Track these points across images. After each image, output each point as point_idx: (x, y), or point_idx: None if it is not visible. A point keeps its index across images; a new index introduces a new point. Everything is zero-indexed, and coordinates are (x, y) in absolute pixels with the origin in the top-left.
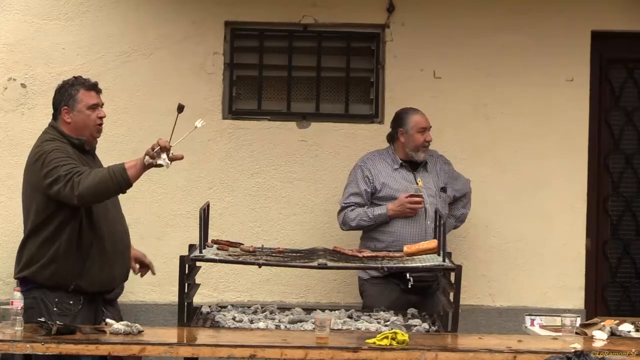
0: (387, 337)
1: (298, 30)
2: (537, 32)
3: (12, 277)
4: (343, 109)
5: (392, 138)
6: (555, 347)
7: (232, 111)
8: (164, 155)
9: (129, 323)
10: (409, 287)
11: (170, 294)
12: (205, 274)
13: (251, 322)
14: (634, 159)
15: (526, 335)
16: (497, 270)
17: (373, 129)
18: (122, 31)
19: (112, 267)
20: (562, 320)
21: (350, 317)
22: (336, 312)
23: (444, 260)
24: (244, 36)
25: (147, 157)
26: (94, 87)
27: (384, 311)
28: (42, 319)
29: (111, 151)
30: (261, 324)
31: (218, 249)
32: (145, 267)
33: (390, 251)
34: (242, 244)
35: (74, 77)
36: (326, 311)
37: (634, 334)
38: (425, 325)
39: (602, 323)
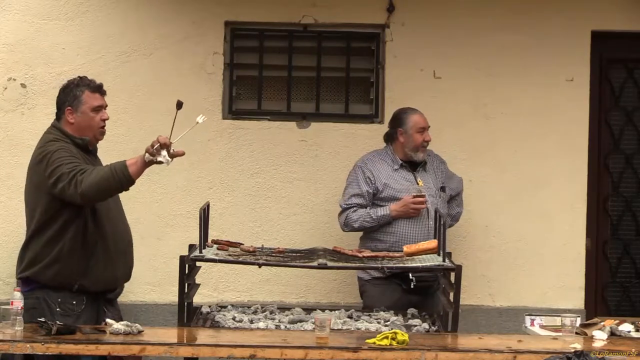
0: (387, 337)
1: (298, 30)
2: (537, 32)
3: (13, 277)
4: (343, 109)
5: (390, 138)
6: (555, 347)
7: (232, 111)
8: (164, 152)
9: (129, 323)
10: (412, 287)
11: (170, 294)
12: (205, 274)
13: (251, 322)
14: (634, 159)
15: (526, 335)
16: (497, 270)
17: (373, 129)
18: (122, 31)
19: (115, 265)
20: (562, 320)
21: (350, 317)
22: (336, 312)
23: (444, 260)
24: (244, 36)
25: (147, 155)
26: (98, 89)
27: (384, 311)
28: (42, 319)
29: (111, 151)
30: (261, 324)
31: (218, 249)
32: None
33: (390, 251)
34: (242, 244)
35: (79, 77)
36: (326, 311)
37: (634, 334)
38: (425, 325)
39: (602, 323)
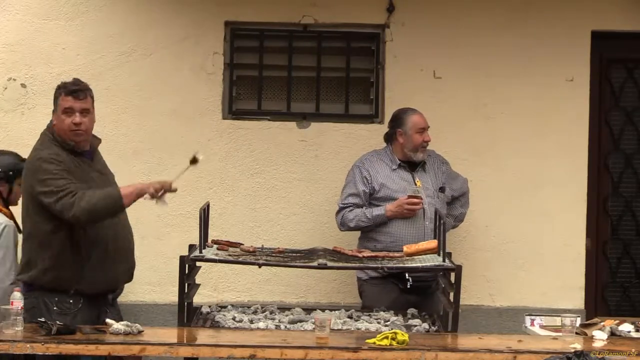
0: (387, 337)
1: (298, 30)
2: (537, 32)
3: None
4: (343, 109)
5: (390, 138)
6: (555, 347)
7: (232, 111)
8: (165, 196)
9: (129, 323)
10: (408, 287)
11: (170, 294)
12: (205, 274)
13: (251, 322)
14: (634, 159)
15: (526, 335)
16: (497, 270)
17: (373, 129)
18: (122, 31)
19: (114, 268)
20: (562, 320)
21: (350, 317)
22: (336, 312)
23: (444, 260)
24: (244, 36)
25: (147, 195)
26: (72, 93)
27: (383, 311)
28: (42, 319)
29: (111, 151)
30: (261, 324)
31: (218, 249)
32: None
33: (390, 251)
34: (242, 244)
35: (65, 81)
36: (326, 311)
37: (634, 334)
38: (425, 325)
39: (602, 323)
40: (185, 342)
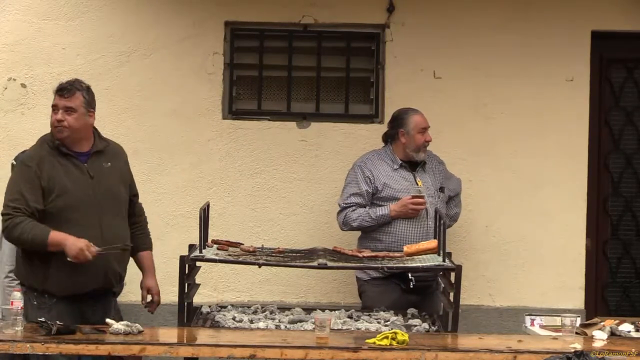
0: (387, 337)
1: (298, 30)
2: (537, 32)
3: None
4: (343, 109)
5: (391, 138)
6: (555, 347)
7: (232, 111)
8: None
9: (129, 323)
10: (411, 287)
11: (170, 294)
12: (205, 274)
13: (251, 322)
14: (634, 159)
15: (526, 335)
16: (497, 270)
17: (373, 129)
18: (122, 31)
19: (81, 272)
20: (562, 320)
21: (350, 317)
22: (336, 312)
23: (444, 260)
24: (244, 36)
25: (69, 257)
26: (58, 91)
27: (384, 311)
28: (42, 319)
29: None
30: (261, 324)
31: (218, 249)
32: (151, 302)
33: (390, 251)
34: (242, 244)
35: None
36: (326, 311)
37: (634, 334)
38: (425, 325)
39: (602, 323)
40: (185, 342)
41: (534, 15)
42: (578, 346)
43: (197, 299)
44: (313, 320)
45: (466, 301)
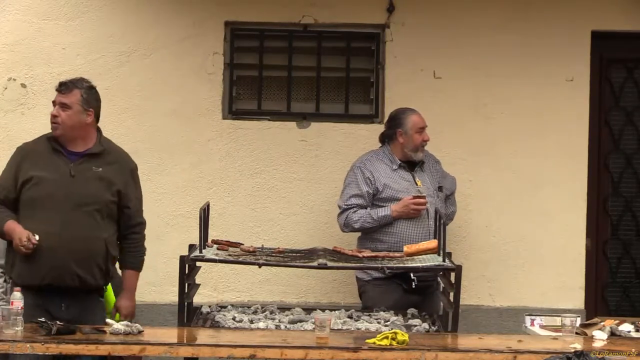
0: (387, 337)
1: (298, 30)
2: (537, 32)
3: None
4: (343, 109)
5: (389, 138)
6: (555, 347)
7: (232, 111)
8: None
9: (129, 323)
10: (413, 287)
11: (170, 294)
12: (205, 274)
13: (251, 322)
14: (634, 159)
15: (526, 335)
16: (497, 270)
17: (373, 129)
18: (122, 31)
19: (40, 264)
20: (562, 320)
21: (350, 317)
22: (336, 312)
23: (444, 260)
24: (244, 36)
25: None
26: (58, 87)
27: (384, 311)
28: (42, 319)
29: None
30: (261, 324)
31: (218, 249)
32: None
33: (390, 251)
34: (242, 244)
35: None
36: (326, 311)
37: (634, 334)
38: (425, 325)
39: (602, 323)
40: (185, 342)
41: (534, 15)
42: (578, 346)
43: (197, 299)
44: (313, 320)
45: (466, 301)
